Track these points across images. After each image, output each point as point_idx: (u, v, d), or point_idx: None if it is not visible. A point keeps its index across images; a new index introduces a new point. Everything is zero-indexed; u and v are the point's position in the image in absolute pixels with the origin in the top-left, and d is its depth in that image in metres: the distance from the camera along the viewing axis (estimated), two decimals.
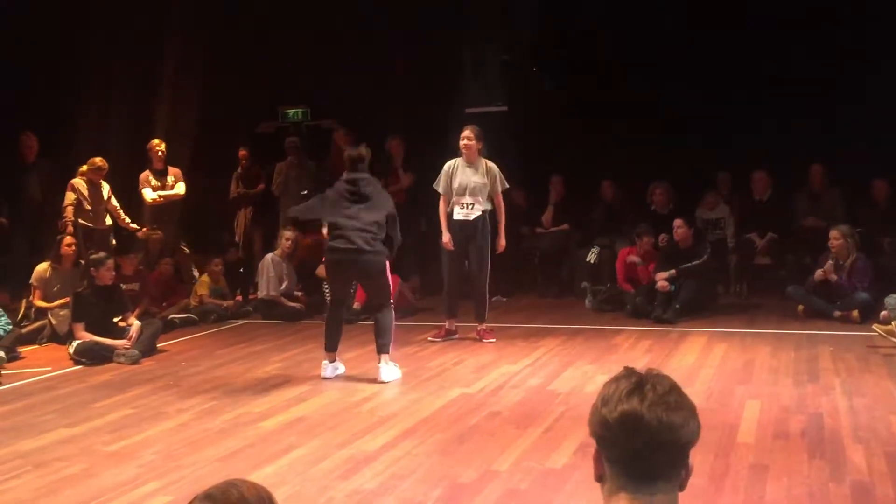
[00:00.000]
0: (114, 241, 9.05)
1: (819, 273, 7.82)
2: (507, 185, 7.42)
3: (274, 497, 1.75)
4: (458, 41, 10.29)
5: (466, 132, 7.26)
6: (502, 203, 7.35)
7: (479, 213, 7.24)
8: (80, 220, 8.92)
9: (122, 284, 7.66)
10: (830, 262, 7.80)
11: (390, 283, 6.32)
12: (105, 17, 10.11)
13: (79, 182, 8.85)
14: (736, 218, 9.48)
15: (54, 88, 9.92)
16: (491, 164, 7.28)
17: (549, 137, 9.80)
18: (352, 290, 7.88)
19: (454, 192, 7.24)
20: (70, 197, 8.81)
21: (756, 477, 3.91)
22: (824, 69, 8.86)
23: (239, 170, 10.50)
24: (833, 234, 7.88)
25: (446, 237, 7.28)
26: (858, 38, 8.68)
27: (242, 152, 10.47)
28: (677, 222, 8.48)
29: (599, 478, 1.68)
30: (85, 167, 8.86)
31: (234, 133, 10.65)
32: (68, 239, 8.25)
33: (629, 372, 1.68)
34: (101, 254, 7.40)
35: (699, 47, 9.41)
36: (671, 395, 1.62)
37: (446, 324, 7.49)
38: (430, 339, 7.42)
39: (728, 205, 9.58)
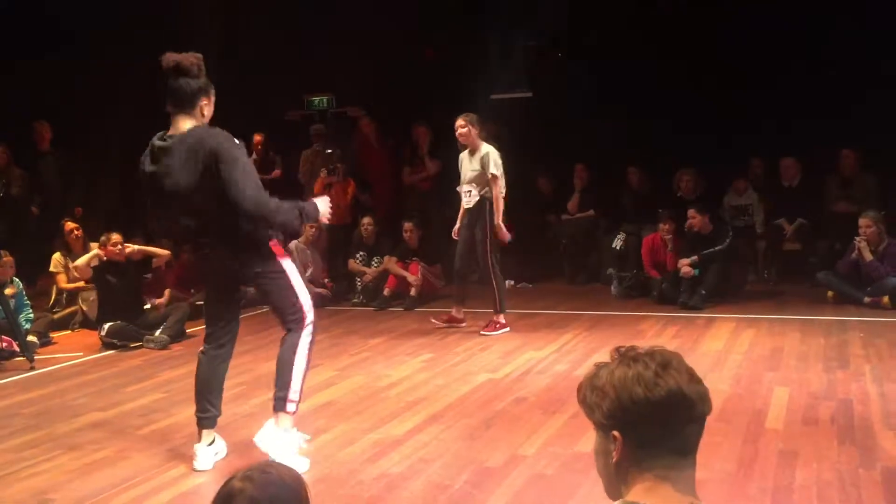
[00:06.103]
0: None
1: (856, 253, 7.72)
2: (497, 172, 6.84)
3: (304, 480, 1.78)
4: (484, 27, 10.24)
5: (458, 121, 7.03)
6: (495, 189, 6.87)
7: (477, 199, 6.99)
8: None
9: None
10: (858, 241, 7.70)
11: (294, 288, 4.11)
12: (125, 5, 10.16)
13: None
14: (765, 204, 9.39)
15: (72, 76, 9.98)
16: (487, 149, 6.94)
17: (575, 124, 9.74)
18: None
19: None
20: None
21: (785, 463, 3.89)
22: (854, 53, 8.72)
23: (254, 156, 10.26)
24: (864, 221, 7.77)
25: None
26: (892, 20, 8.53)
27: (258, 138, 10.49)
28: (690, 212, 8.38)
29: (617, 465, 1.61)
30: None
31: (260, 121, 10.67)
32: (70, 225, 8.36)
33: (642, 352, 1.65)
34: (112, 234, 7.52)
35: (728, 33, 9.30)
36: (690, 369, 1.65)
37: (453, 310, 7.48)
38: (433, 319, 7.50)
39: (758, 191, 9.49)
